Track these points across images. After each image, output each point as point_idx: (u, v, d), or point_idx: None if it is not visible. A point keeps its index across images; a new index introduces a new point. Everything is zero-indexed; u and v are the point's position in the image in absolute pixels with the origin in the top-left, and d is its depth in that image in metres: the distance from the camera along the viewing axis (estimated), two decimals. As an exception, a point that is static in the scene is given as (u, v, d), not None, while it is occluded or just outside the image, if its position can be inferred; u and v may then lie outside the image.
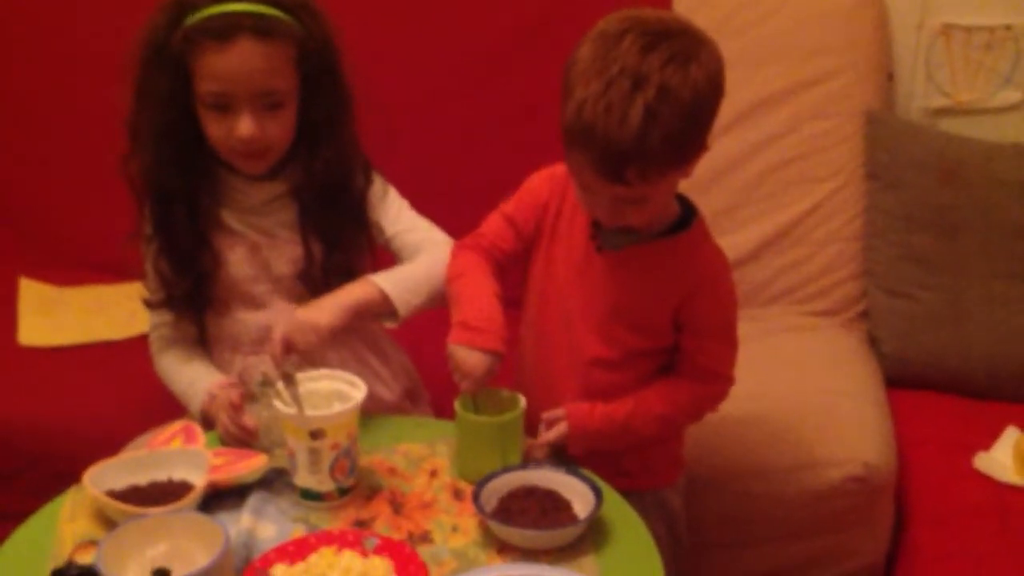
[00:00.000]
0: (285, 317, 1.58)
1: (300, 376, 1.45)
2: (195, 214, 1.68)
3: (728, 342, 1.57)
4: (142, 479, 1.42)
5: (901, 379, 2.17)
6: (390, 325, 1.68)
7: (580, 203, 1.51)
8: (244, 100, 1.58)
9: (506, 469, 1.44)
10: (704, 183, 2.25)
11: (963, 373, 2.13)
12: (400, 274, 1.68)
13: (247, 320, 1.71)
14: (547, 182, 1.61)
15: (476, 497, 1.39)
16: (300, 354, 1.52)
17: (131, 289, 2.33)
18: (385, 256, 1.76)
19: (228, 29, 1.56)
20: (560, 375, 1.57)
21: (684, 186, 1.60)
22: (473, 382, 1.48)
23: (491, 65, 2.39)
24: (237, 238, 1.70)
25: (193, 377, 1.70)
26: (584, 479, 1.42)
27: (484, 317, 1.52)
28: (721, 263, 1.57)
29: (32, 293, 2.41)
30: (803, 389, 2.01)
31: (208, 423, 1.61)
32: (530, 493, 1.42)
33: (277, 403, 1.42)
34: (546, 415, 1.54)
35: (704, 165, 2.20)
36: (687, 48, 1.37)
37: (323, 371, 1.49)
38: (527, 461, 1.50)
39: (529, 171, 1.64)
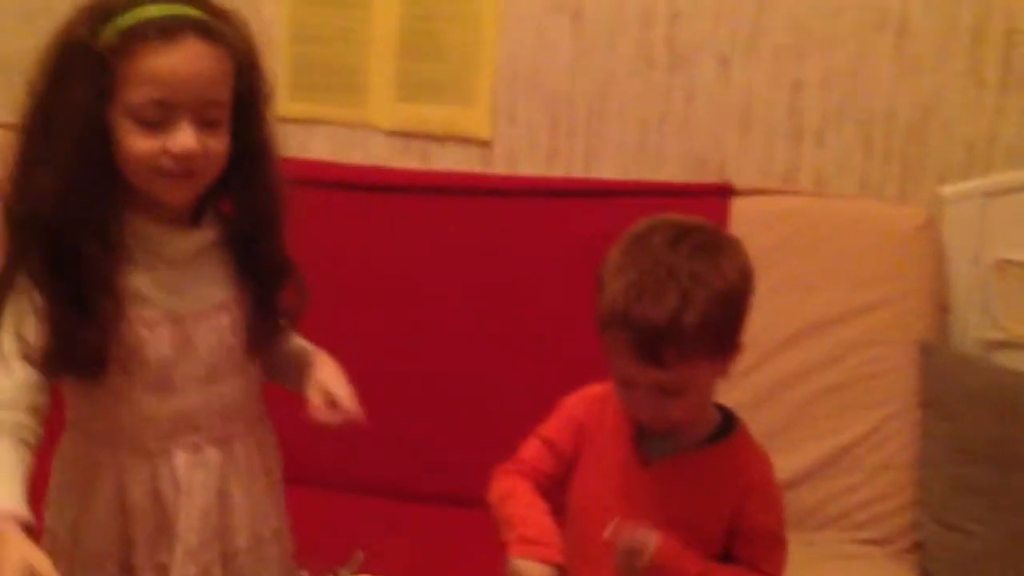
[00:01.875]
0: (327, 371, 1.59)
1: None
2: (100, 255, 1.42)
3: (780, 545, 1.56)
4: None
5: (957, 618, 2.10)
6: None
7: (620, 404, 1.53)
8: (185, 109, 1.40)
9: None
10: (756, 402, 2.26)
11: (1022, 614, 2.07)
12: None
13: (157, 407, 1.49)
14: (582, 403, 1.63)
15: None
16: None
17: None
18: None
19: (174, 27, 1.38)
20: None
21: (735, 405, 1.61)
22: None
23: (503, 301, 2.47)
24: (153, 310, 1.47)
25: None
26: None
27: (541, 530, 1.52)
28: (768, 466, 1.57)
29: None
30: (854, 621, 1.95)
31: None
32: None
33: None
34: (636, 534, 1.49)
35: (756, 383, 2.28)
36: (713, 240, 1.47)
37: None
38: None
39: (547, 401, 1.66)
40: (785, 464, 2.22)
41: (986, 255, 2.36)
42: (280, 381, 1.66)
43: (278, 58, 2.68)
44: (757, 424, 1.61)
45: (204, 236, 1.52)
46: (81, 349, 1.41)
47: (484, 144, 2.62)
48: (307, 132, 2.71)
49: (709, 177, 2.50)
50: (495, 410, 2.36)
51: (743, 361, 2.25)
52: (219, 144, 1.44)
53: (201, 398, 1.53)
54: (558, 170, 2.60)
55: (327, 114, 2.70)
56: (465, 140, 2.63)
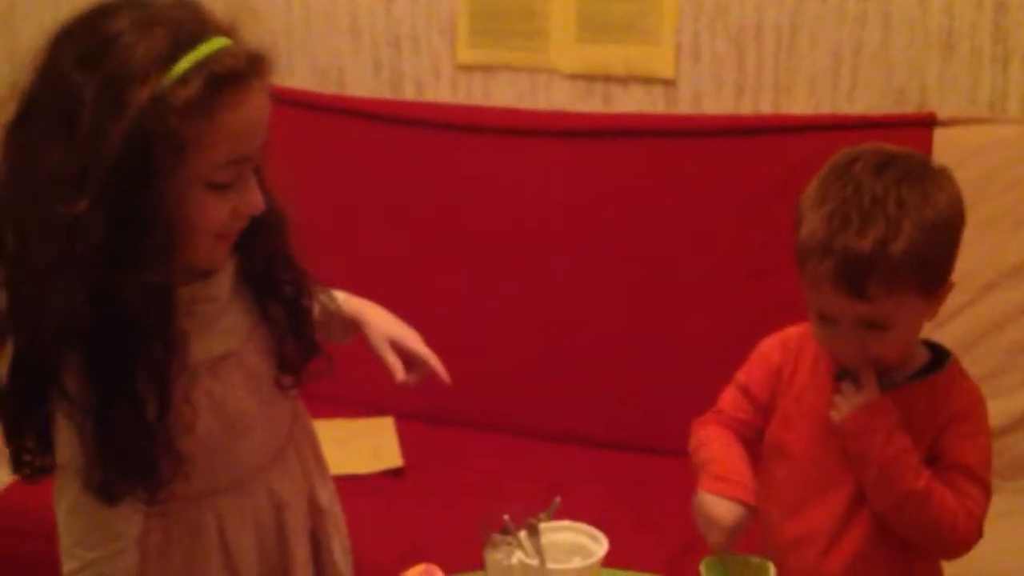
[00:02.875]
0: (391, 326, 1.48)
1: (543, 527, 1.43)
2: (167, 355, 1.22)
3: (980, 484, 1.44)
4: (382, 621, 1.42)
5: None
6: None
7: (820, 344, 1.47)
8: (249, 162, 1.23)
9: (752, 640, 1.37)
10: (968, 342, 2.17)
11: None
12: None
13: (244, 449, 1.39)
14: (777, 346, 1.58)
15: (718, 669, 1.32)
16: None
17: (375, 424, 2.41)
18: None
19: (243, 71, 1.18)
20: (815, 537, 1.50)
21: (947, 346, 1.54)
22: (720, 533, 1.43)
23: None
24: (219, 367, 1.33)
25: None
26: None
27: (734, 470, 1.49)
28: (978, 398, 1.49)
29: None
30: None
31: None
32: (775, 666, 1.35)
33: (518, 553, 1.40)
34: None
35: (965, 325, 2.18)
36: (921, 168, 1.40)
37: (565, 523, 1.46)
38: None
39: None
40: (995, 410, 2.08)
41: None
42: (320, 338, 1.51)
43: (457, 5, 2.67)
44: (969, 367, 1.54)
45: (229, 273, 1.35)
46: (168, 462, 1.25)
47: (668, 83, 2.56)
48: (488, 79, 2.70)
49: (909, 108, 2.39)
50: (688, 358, 2.33)
51: (951, 302, 2.18)
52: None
53: (271, 422, 1.44)
54: (745, 108, 2.52)
55: (508, 60, 2.68)
56: (648, 80, 2.57)
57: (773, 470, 1.56)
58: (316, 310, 1.48)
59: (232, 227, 1.25)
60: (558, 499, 1.50)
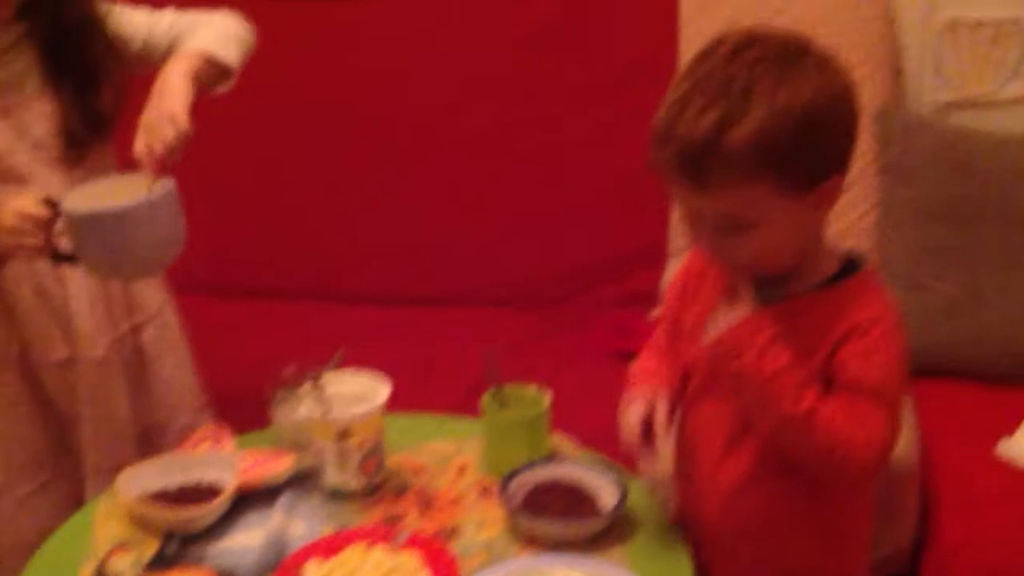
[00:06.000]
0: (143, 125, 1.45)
1: (327, 379, 1.47)
2: None
3: (880, 403, 1.26)
4: (172, 483, 1.44)
5: (921, 369, 2.13)
6: (222, 89, 1.60)
7: (692, 240, 1.36)
8: None
9: (532, 464, 1.46)
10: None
11: (983, 361, 2.13)
12: (206, 37, 1.56)
13: (10, 199, 1.49)
14: (680, 272, 1.48)
15: (503, 491, 1.40)
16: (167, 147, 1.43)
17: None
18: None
19: None
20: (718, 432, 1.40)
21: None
22: (631, 430, 1.38)
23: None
24: None
25: None
26: (610, 472, 1.43)
27: (638, 372, 1.49)
28: (884, 311, 1.31)
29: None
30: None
31: None
32: (555, 487, 1.43)
33: (304, 405, 1.44)
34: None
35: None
36: (788, 49, 1.22)
37: (348, 372, 1.51)
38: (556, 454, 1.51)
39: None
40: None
41: (937, 15, 2.33)
42: None
43: None
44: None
45: (10, 33, 1.50)
46: None
47: None
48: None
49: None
50: (465, 208, 2.36)
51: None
52: None
53: (56, 183, 1.54)
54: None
55: None
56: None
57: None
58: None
59: None
60: (340, 351, 1.54)
